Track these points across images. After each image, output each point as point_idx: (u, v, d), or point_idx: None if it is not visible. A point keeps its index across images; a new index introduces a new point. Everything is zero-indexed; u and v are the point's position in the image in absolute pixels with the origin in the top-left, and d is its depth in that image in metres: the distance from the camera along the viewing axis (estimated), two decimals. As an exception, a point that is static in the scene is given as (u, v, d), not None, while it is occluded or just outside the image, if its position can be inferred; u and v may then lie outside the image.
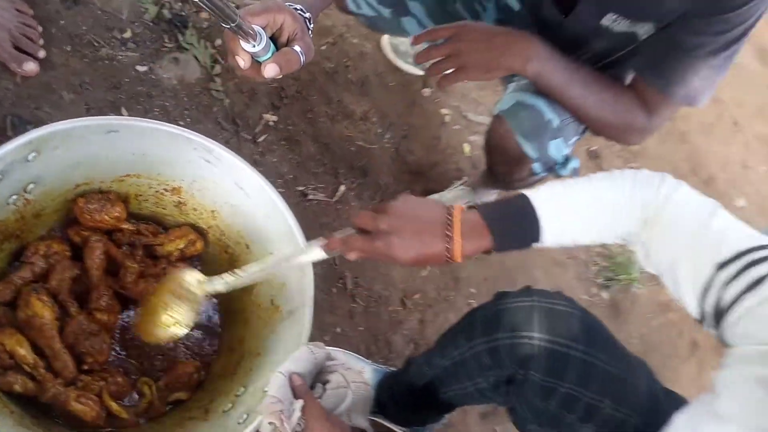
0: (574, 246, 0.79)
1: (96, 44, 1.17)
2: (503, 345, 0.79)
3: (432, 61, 1.00)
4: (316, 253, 0.80)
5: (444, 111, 1.71)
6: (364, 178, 1.44)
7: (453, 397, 0.96)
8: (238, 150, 1.27)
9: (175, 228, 1.06)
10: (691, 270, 0.66)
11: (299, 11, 0.79)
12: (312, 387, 0.87)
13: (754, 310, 0.59)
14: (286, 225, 0.95)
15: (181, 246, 1.04)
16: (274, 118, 1.36)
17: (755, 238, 0.65)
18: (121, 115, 1.16)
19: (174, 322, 0.85)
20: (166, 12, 1.26)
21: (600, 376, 0.76)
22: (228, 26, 0.63)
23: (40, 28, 1.12)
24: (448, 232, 0.72)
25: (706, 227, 0.67)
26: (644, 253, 0.74)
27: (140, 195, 1.01)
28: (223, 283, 0.84)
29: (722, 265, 0.62)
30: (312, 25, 0.82)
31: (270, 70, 0.73)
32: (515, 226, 0.74)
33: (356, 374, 0.92)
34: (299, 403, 0.79)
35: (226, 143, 1.27)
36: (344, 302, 1.29)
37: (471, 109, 1.75)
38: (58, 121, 0.83)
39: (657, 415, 0.79)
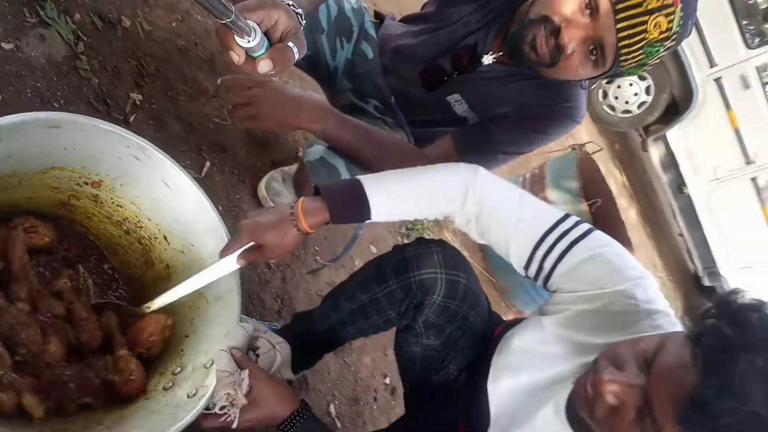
0: (401, 220, 1.08)
1: (-46, 18, 1.06)
2: (414, 281, 1.07)
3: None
4: (230, 265, 1.01)
5: (277, 86, 1.87)
6: (223, 153, 1.56)
7: (353, 333, 1.22)
8: (112, 131, 1.29)
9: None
10: (516, 250, 1.01)
11: (292, 6, 0.82)
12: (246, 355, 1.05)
13: (566, 274, 0.97)
14: (212, 218, 1.08)
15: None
16: (140, 97, 1.38)
17: (551, 215, 0.99)
18: (-5, 97, 1.09)
19: None
20: (23, -18, 1.18)
21: (471, 295, 1.09)
22: (223, 21, 0.64)
23: None
24: (294, 220, 0.97)
25: (520, 217, 0.99)
26: (478, 234, 1.05)
27: (56, 188, 1.01)
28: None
29: (537, 246, 0.98)
30: (304, 21, 0.86)
31: (264, 66, 0.75)
32: (349, 209, 0.98)
33: (276, 336, 1.14)
34: (245, 372, 0.99)
35: (101, 125, 1.27)
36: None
37: (299, 85, 1.95)
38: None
39: (491, 324, 1.20)
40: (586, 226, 0.98)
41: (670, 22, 1.03)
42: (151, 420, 0.94)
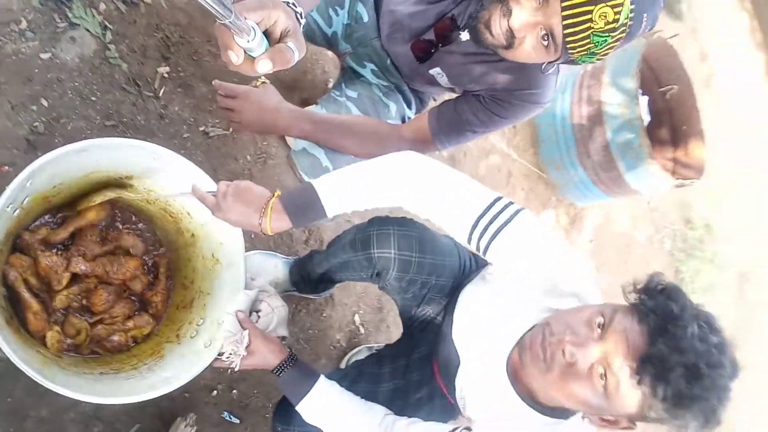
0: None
1: (-1, 43, 1.28)
2: (374, 256, 1.28)
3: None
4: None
5: (306, 17, 1.93)
6: (251, 104, 1.73)
7: (343, 278, 1.49)
8: (144, 109, 1.53)
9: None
10: (456, 231, 1.11)
11: (291, 5, 0.83)
12: (249, 316, 1.34)
13: (498, 252, 1.10)
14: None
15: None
16: (167, 69, 1.57)
17: (483, 198, 1.07)
18: (42, 106, 1.34)
19: None
20: (48, -9, 1.35)
21: (427, 267, 1.30)
22: (223, 21, 0.64)
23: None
24: (263, 213, 1.09)
25: (455, 201, 1.07)
26: (424, 219, 1.17)
27: (99, 183, 1.28)
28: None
29: (473, 228, 1.08)
30: (303, 20, 0.88)
31: (263, 66, 0.75)
32: (306, 213, 1.10)
33: (277, 299, 1.41)
34: (246, 331, 1.27)
35: (134, 105, 1.50)
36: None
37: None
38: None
39: (467, 274, 1.38)
40: (513, 209, 1.07)
41: (617, 14, 1.03)
42: (181, 362, 1.29)
